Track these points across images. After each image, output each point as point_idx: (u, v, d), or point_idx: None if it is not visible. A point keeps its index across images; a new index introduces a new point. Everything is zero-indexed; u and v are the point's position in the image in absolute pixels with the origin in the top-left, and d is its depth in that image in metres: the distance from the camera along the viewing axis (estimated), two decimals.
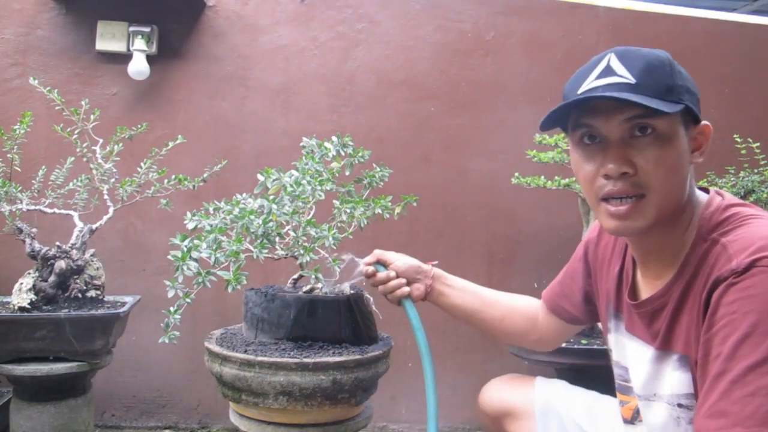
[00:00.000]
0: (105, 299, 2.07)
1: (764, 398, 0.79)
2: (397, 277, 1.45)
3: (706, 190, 1.09)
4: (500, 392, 1.48)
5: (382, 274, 1.46)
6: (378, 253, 1.49)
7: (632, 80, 0.96)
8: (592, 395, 1.42)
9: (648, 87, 0.95)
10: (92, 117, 2.10)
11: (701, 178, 2.46)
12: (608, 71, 0.99)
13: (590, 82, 0.99)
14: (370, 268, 1.46)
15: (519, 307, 1.48)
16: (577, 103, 1.00)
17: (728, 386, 0.82)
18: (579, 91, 1.00)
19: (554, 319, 1.42)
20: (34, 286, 1.95)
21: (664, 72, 0.97)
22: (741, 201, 1.05)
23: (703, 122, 1.01)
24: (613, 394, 1.29)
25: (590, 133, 1.02)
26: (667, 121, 0.97)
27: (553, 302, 1.41)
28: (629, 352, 1.17)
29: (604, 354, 2.14)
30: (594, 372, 2.17)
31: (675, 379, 1.03)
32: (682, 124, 0.99)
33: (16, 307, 1.90)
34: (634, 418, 1.20)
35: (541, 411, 1.37)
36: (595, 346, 2.21)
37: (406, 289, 1.45)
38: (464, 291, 1.49)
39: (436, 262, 1.51)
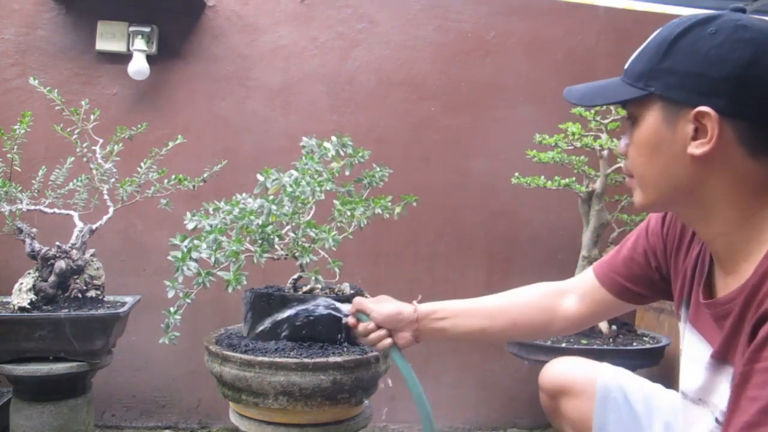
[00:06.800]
0: (105, 299, 2.07)
1: None
2: (379, 328, 1.35)
3: None
4: (563, 369, 1.39)
5: (361, 326, 1.36)
6: (357, 303, 1.39)
7: (627, 65, 0.99)
8: (655, 387, 1.34)
9: (629, 72, 0.98)
10: (92, 117, 2.10)
11: None
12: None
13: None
14: (352, 320, 1.38)
15: (531, 302, 1.37)
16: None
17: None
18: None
19: (610, 298, 1.28)
20: (34, 286, 1.95)
21: (649, 54, 0.96)
22: None
23: (699, 108, 0.89)
24: None
25: None
26: (635, 105, 0.98)
27: (614, 282, 1.27)
28: (687, 345, 1.10)
29: (604, 354, 2.16)
30: None
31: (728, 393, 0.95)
32: (659, 110, 0.94)
33: (16, 307, 1.90)
34: None
35: (602, 395, 1.30)
36: (594, 346, 2.21)
37: (388, 340, 1.35)
38: (460, 317, 1.36)
39: (419, 298, 1.40)
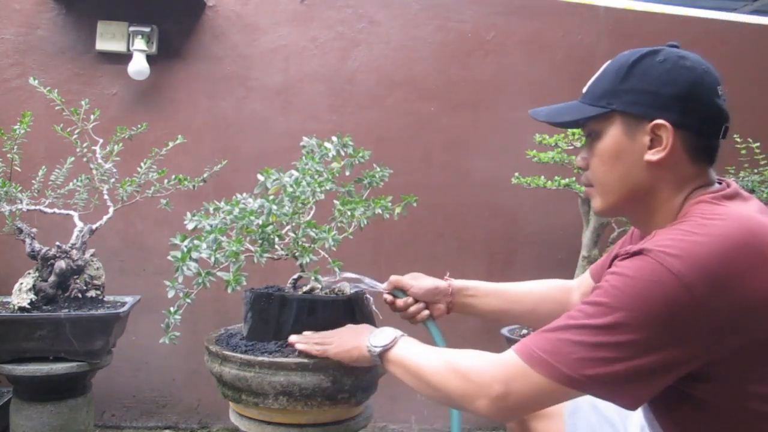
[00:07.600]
0: (105, 299, 2.07)
1: (575, 348, 0.97)
2: (416, 302, 1.50)
3: (721, 182, 1.11)
4: None
5: (400, 301, 1.50)
6: (394, 280, 1.53)
7: (585, 89, 1.14)
8: None
9: (589, 94, 1.12)
10: (92, 117, 2.10)
11: None
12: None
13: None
14: (390, 297, 1.51)
15: (549, 294, 1.51)
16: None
17: (565, 322, 1.01)
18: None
19: None
20: (34, 286, 1.95)
21: (608, 78, 1.10)
22: (725, 197, 1.04)
23: (656, 121, 1.04)
24: None
25: None
26: (597, 122, 1.11)
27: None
28: None
29: None
30: None
31: None
32: (619, 124, 1.08)
33: (16, 307, 1.90)
34: None
35: (570, 411, 1.35)
36: None
37: (426, 312, 1.50)
38: (487, 296, 1.52)
39: (447, 275, 1.54)
